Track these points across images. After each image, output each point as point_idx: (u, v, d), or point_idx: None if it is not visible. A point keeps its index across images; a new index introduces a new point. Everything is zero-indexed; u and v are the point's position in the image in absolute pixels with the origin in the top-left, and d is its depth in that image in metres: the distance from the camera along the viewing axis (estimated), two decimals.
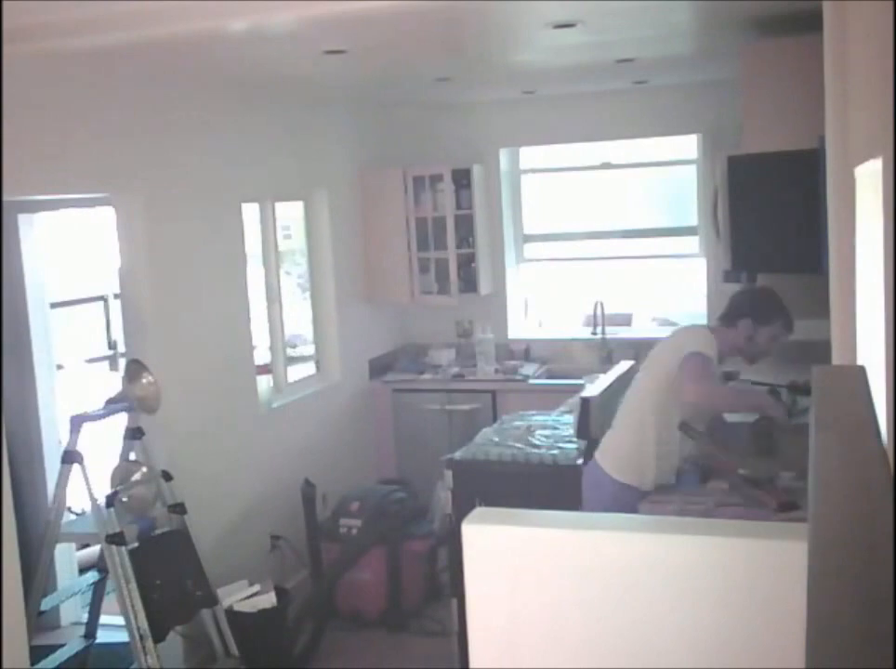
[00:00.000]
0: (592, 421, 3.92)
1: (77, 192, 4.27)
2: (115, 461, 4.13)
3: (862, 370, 1.56)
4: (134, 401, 4.08)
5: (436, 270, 6.46)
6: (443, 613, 4.61)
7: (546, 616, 1.66)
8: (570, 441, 4.17)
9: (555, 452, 4.11)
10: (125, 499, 3.93)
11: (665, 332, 6.54)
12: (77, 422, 3.94)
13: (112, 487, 3.93)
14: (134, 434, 4.11)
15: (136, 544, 3.94)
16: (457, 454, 4.25)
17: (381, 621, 5.08)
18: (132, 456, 4.14)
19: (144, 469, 4.10)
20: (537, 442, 4.26)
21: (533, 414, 4.82)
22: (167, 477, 4.14)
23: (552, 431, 4.43)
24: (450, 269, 6.40)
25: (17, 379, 4.92)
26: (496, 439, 4.36)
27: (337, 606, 5.08)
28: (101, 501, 3.84)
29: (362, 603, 5.09)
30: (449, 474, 4.16)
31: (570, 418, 4.38)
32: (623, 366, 4.64)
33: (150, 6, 3.11)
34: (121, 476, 4.01)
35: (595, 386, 4.18)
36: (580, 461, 3.94)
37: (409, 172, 6.39)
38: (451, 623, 4.22)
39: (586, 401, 3.96)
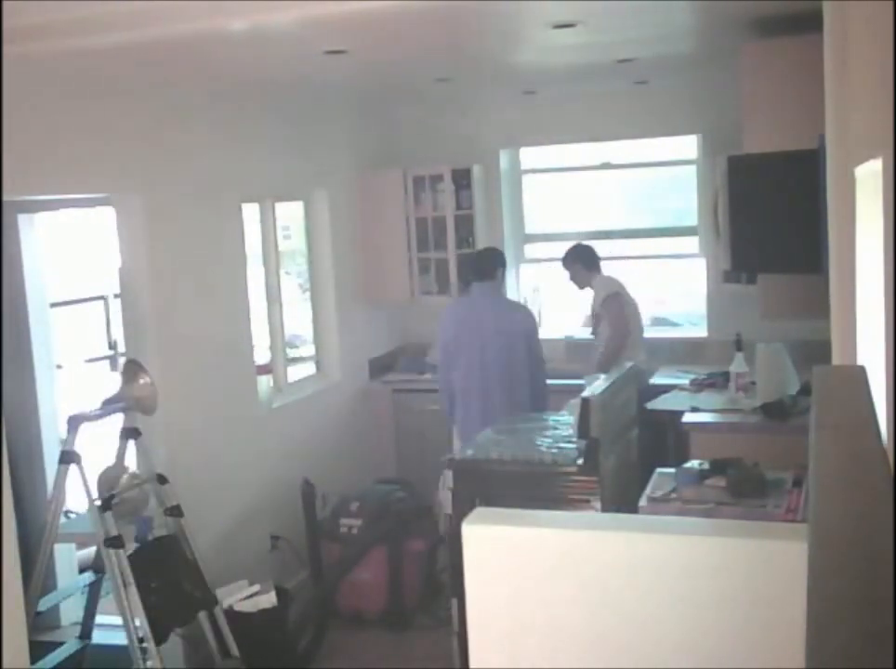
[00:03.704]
0: (592, 421, 3.92)
1: (77, 192, 4.27)
2: (112, 461, 4.12)
3: (862, 370, 1.56)
4: (131, 402, 4.07)
5: (436, 270, 6.46)
6: (444, 613, 4.61)
7: (546, 616, 1.66)
8: (570, 441, 4.16)
9: (555, 451, 4.10)
10: (116, 501, 3.92)
11: (664, 331, 6.56)
12: (75, 422, 3.93)
13: (99, 493, 3.92)
14: (130, 434, 4.10)
15: (135, 546, 3.94)
16: (457, 454, 4.25)
17: (382, 620, 5.08)
18: (127, 457, 4.13)
19: (130, 471, 4.10)
20: (537, 442, 4.26)
21: (534, 414, 4.81)
22: (162, 480, 4.12)
23: (552, 431, 4.43)
24: (450, 269, 6.40)
25: (17, 379, 4.92)
26: (496, 439, 4.36)
27: (338, 606, 5.08)
28: (98, 502, 3.83)
29: (362, 603, 5.09)
30: (449, 474, 4.16)
31: (570, 418, 4.38)
32: (623, 366, 4.64)
33: (150, 6, 3.11)
34: (108, 482, 4.00)
35: (595, 386, 4.18)
36: (580, 461, 3.94)
37: (409, 172, 6.39)
38: (451, 622, 4.22)
39: (586, 401, 3.96)
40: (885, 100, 1.49)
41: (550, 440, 4.26)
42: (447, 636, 4.27)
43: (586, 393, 4.05)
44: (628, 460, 4.42)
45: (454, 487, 4.13)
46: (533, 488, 3.95)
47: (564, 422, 4.50)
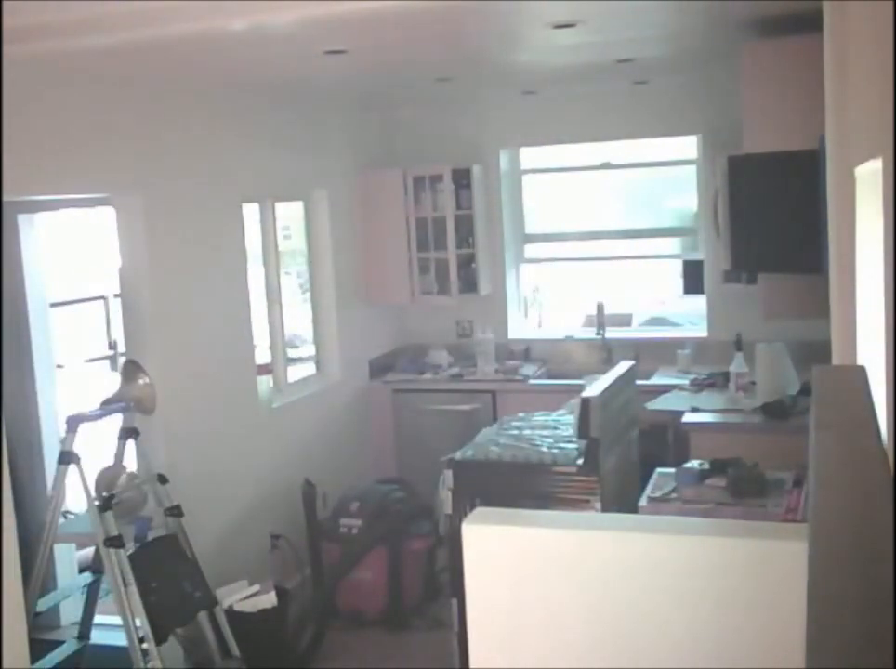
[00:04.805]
0: (592, 421, 3.92)
1: (77, 192, 4.27)
2: (112, 461, 4.12)
3: (862, 370, 1.56)
4: (130, 402, 4.07)
5: (436, 271, 6.46)
6: (443, 613, 4.61)
7: (546, 616, 1.66)
8: (570, 441, 4.16)
9: (555, 451, 4.10)
10: (115, 502, 3.92)
11: (664, 331, 6.57)
12: (74, 422, 3.93)
13: (97, 493, 3.91)
14: (129, 434, 4.10)
15: (136, 546, 3.94)
16: (457, 454, 4.24)
17: (382, 620, 5.08)
18: (125, 457, 4.13)
19: (128, 471, 4.09)
20: (537, 442, 4.26)
21: (534, 414, 4.81)
22: (162, 480, 4.12)
23: (552, 431, 4.43)
24: (450, 270, 6.39)
25: (17, 379, 4.92)
26: (496, 439, 4.36)
27: (338, 606, 5.08)
28: (97, 503, 3.83)
29: (362, 602, 5.09)
30: (449, 474, 4.16)
31: (570, 418, 4.38)
32: (623, 366, 4.64)
33: (150, 6, 3.11)
34: (106, 482, 4.00)
35: (595, 387, 4.18)
36: (580, 461, 3.95)
37: (409, 172, 6.39)
38: (451, 622, 4.22)
39: (586, 401, 3.96)
40: (885, 100, 1.49)
41: (550, 440, 4.26)
42: (447, 636, 4.27)
43: (585, 393, 4.05)
44: (628, 460, 4.43)
45: (454, 487, 4.13)
46: (533, 488, 3.95)
47: (564, 422, 4.50)
